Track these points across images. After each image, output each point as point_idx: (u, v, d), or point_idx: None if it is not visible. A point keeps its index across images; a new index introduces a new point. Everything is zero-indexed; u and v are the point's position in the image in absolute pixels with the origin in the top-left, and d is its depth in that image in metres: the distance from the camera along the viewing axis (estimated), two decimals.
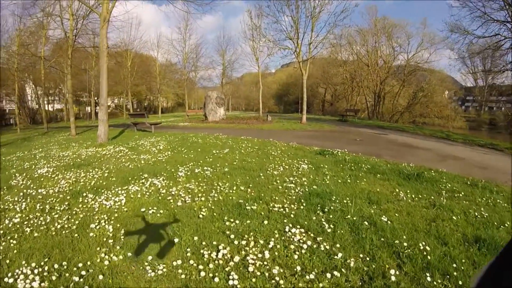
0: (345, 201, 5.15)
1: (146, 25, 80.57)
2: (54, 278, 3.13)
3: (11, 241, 3.98)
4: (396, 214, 4.67)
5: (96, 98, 50.09)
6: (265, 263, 3.29)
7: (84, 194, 5.71)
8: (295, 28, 21.96)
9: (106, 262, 3.39)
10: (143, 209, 4.85)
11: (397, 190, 5.88)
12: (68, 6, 19.30)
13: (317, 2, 21.10)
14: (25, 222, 4.56)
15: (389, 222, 4.36)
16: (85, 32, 22.05)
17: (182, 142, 11.70)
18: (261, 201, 5.12)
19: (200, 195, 5.43)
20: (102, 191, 5.88)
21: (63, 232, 4.23)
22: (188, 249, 3.60)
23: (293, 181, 6.29)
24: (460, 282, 2.98)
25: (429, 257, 3.39)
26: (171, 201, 5.18)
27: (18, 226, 4.45)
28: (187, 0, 15.12)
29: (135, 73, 40.80)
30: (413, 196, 5.58)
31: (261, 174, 6.73)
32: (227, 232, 3.97)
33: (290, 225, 4.16)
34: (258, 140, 12.38)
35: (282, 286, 2.94)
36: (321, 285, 2.95)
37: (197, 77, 45.67)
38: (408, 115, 41.10)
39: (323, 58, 44.82)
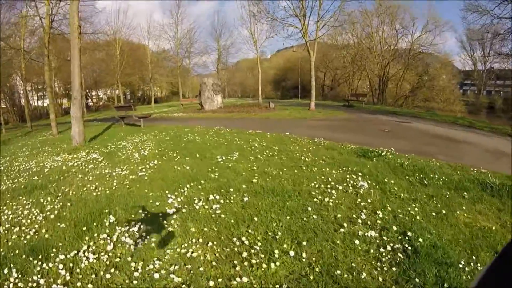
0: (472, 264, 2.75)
1: (137, 13, 75.36)
2: None
3: None
4: None
5: (86, 91, 46.94)
6: None
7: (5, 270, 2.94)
8: (301, 3, 18.90)
9: None
10: None
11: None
12: None
13: None
14: None
15: None
16: (63, 16, 18.80)
17: (175, 142, 8.83)
18: None
19: (213, 283, 2.57)
20: (35, 261, 3.05)
21: None
22: None
23: (369, 222, 3.53)
24: None
25: None
26: None
27: None
28: None
29: (125, 62, 37.35)
30: None
31: (309, 208, 3.89)
32: None
33: None
34: (271, 136, 9.48)
35: None
36: None
37: (191, 64, 42.25)
38: (412, 99, 38.70)
39: (322, 41, 41.76)
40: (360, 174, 5.25)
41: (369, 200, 4.13)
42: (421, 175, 5.26)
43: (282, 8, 19.81)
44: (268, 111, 19.09)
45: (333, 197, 4.25)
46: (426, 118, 16.52)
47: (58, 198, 4.91)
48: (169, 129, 12.05)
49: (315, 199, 4.18)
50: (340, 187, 4.61)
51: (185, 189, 4.78)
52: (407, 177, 5.24)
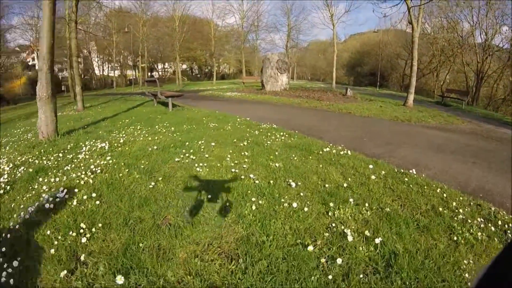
0: None
1: None
2: None
3: None
4: None
5: (151, 62, 43.99)
6: None
7: None
8: None
9: None
10: None
11: None
12: None
13: None
14: None
15: None
16: None
17: (149, 163, 3.72)
18: None
19: None
20: None
21: None
22: None
23: None
24: None
25: None
26: None
27: None
28: None
29: (187, 36, 33.08)
30: None
31: None
32: None
33: None
34: (385, 178, 3.51)
35: None
36: None
37: (258, 41, 36.90)
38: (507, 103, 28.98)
39: (406, 26, 33.76)
40: None
41: None
42: None
43: None
44: (346, 102, 13.08)
45: None
46: None
47: None
48: (192, 120, 7.24)
49: None
50: None
51: None
52: None
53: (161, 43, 39.30)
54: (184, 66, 49.01)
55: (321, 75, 57.54)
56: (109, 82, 39.96)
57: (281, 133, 5.57)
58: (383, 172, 3.64)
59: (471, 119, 11.20)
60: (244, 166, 3.62)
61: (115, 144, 4.94)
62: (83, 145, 5.05)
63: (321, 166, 3.70)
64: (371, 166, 3.75)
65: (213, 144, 4.65)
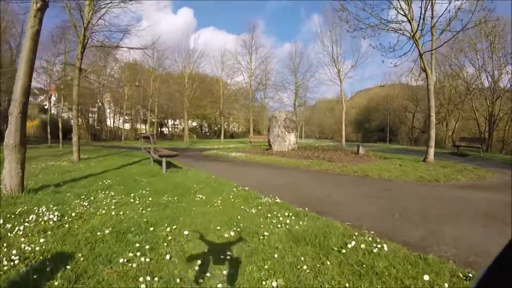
0: None
1: (209, 43, 73.20)
2: None
3: None
4: None
5: (160, 118, 44.14)
6: None
7: None
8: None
9: None
10: None
11: None
12: None
13: None
14: None
15: None
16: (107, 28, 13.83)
17: None
18: None
19: None
20: None
21: None
22: None
23: None
24: None
25: None
26: None
27: None
28: None
29: (196, 93, 32.99)
30: None
31: None
32: None
33: None
34: None
35: None
36: None
37: (266, 100, 36.93)
38: None
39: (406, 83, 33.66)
40: None
41: None
42: None
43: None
44: (360, 161, 11.72)
45: None
46: None
47: None
48: (178, 188, 6.03)
49: None
50: None
51: None
52: None
53: (171, 99, 39.71)
54: (194, 124, 49.21)
55: (329, 133, 57.50)
56: (119, 134, 39.95)
57: (286, 213, 4.17)
58: (446, 285, 2.22)
59: (495, 167, 10.22)
60: (220, 286, 2.20)
61: (67, 218, 3.69)
62: (34, 212, 3.89)
63: (348, 284, 2.24)
64: (426, 278, 2.28)
65: (186, 233, 3.28)
